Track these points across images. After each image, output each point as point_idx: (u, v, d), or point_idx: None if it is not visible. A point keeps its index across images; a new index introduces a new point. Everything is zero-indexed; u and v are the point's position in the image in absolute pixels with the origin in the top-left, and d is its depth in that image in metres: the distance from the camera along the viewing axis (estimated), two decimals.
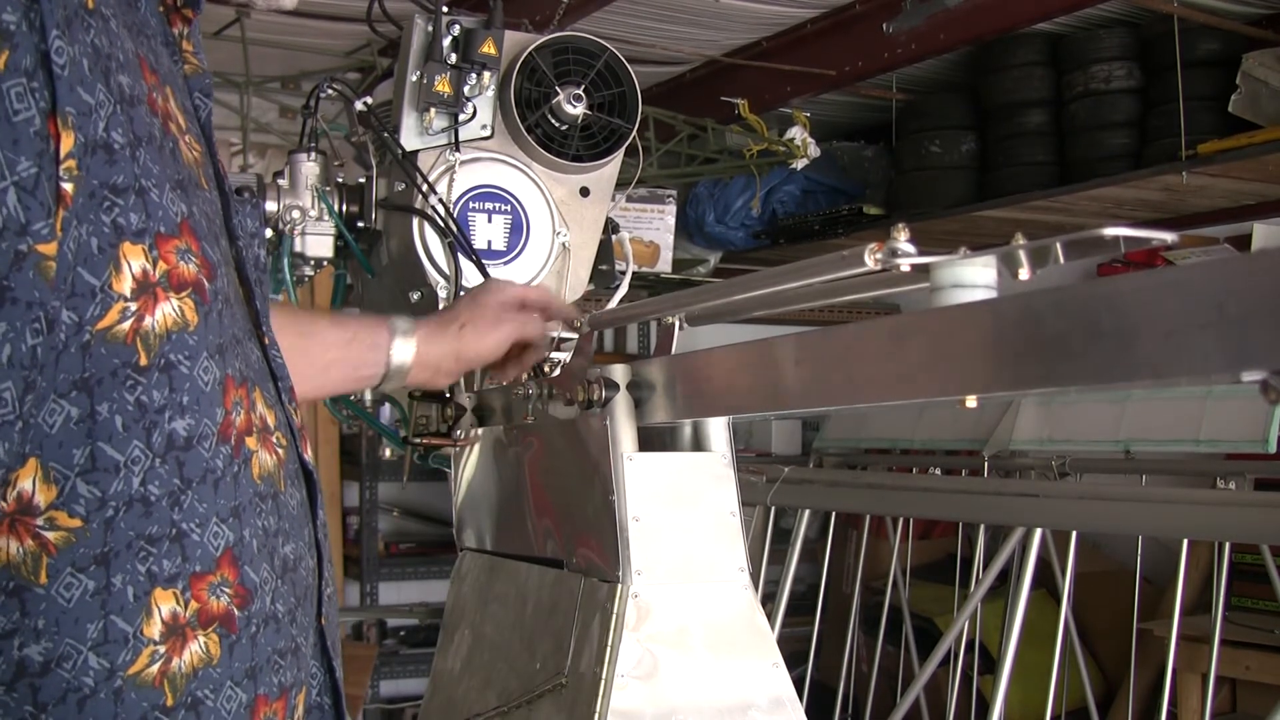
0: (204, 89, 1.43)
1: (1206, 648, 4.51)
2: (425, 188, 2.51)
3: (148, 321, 1.19)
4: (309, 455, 1.52)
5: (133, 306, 1.18)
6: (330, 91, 2.65)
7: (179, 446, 1.22)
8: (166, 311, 1.21)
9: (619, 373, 1.94)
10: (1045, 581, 4.54)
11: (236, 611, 1.27)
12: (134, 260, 1.18)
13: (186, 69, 1.41)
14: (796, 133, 5.28)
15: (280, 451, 1.40)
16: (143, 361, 1.18)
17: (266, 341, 1.43)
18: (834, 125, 6.46)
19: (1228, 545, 4.55)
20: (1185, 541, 4.27)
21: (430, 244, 2.52)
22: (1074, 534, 4.03)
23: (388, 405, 2.70)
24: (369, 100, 2.60)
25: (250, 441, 1.33)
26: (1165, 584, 4.87)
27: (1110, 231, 1.14)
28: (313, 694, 1.45)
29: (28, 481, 1.13)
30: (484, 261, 2.51)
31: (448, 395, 2.51)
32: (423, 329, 2.13)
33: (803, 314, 5.66)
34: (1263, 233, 5.53)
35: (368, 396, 2.61)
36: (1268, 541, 4.31)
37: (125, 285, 1.17)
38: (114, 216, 1.15)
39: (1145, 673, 5.21)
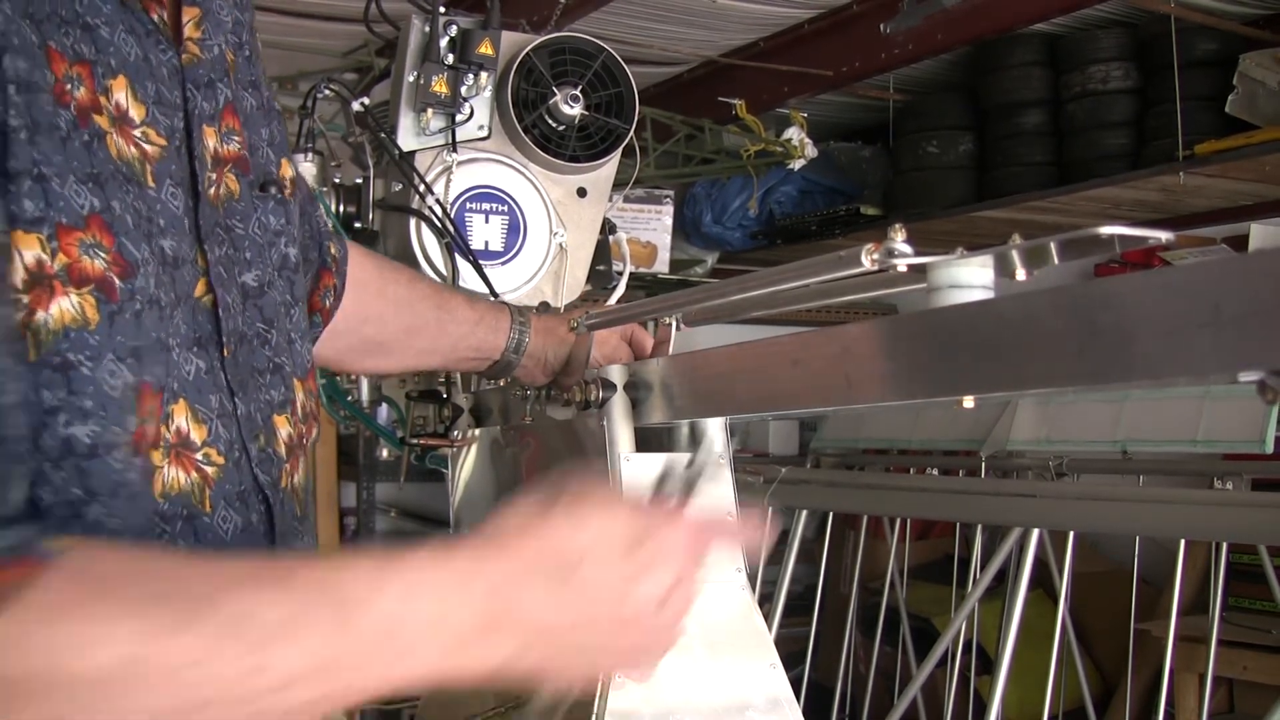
0: (196, 80, 1.37)
1: (1204, 648, 4.50)
2: (422, 188, 2.51)
3: (40, 316, 1.12)
4: (296, 476, 1.45)
5: (25, 299, 1.12)
6: (327, 92, 2.65)
7: (79, 454, 1.15)
8: (64, 307, 1.14)
9: (616, 373, 1.94)
10: (1043, 582, 4.54)
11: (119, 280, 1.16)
12: (27, 250, 1.12)
13: (184, 58, 1.36)
14: (794, 133, 5.28)
15: (209, 470, 1.29)
16: (31, 357, 1.12)
17: (228, 352, 1.34)
18: (831, 125, 6.47)
19: (1225, 546, 4.55)
20: (1183, 542, 4.27)
21: (427, 244, 2.52)
22: (1071, 534, 4.03)
23: (385, 406, 2.70)
24: (366, 101, 2.60)
25: (155, 456, 1.23)
26: (1163, 584, 4.86)
27: (1106, 231, 1.14)
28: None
29: None
30: (481, 262, 2.51)
31: (445, 396, 2.51)
32: (537, 323, 2.15)
33: (800, 314, 5.65)
34: (1260, 233, 5.53)
35: (364, 396, 2.61)
36: (1265, 542, 4.31)
37: (17, 276, 1.11)
38: (7, 203, 1.10)
39: (1143, 673, 5.21)
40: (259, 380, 1.39)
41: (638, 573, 1.25)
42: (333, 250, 1.84)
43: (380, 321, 2.00)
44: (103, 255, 1.17)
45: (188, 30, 1.37)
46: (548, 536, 1.23)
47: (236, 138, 1.41)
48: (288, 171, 1.56)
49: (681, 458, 1.83)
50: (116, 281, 1.18)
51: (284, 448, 1.41)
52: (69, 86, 1.18)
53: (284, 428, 1.41)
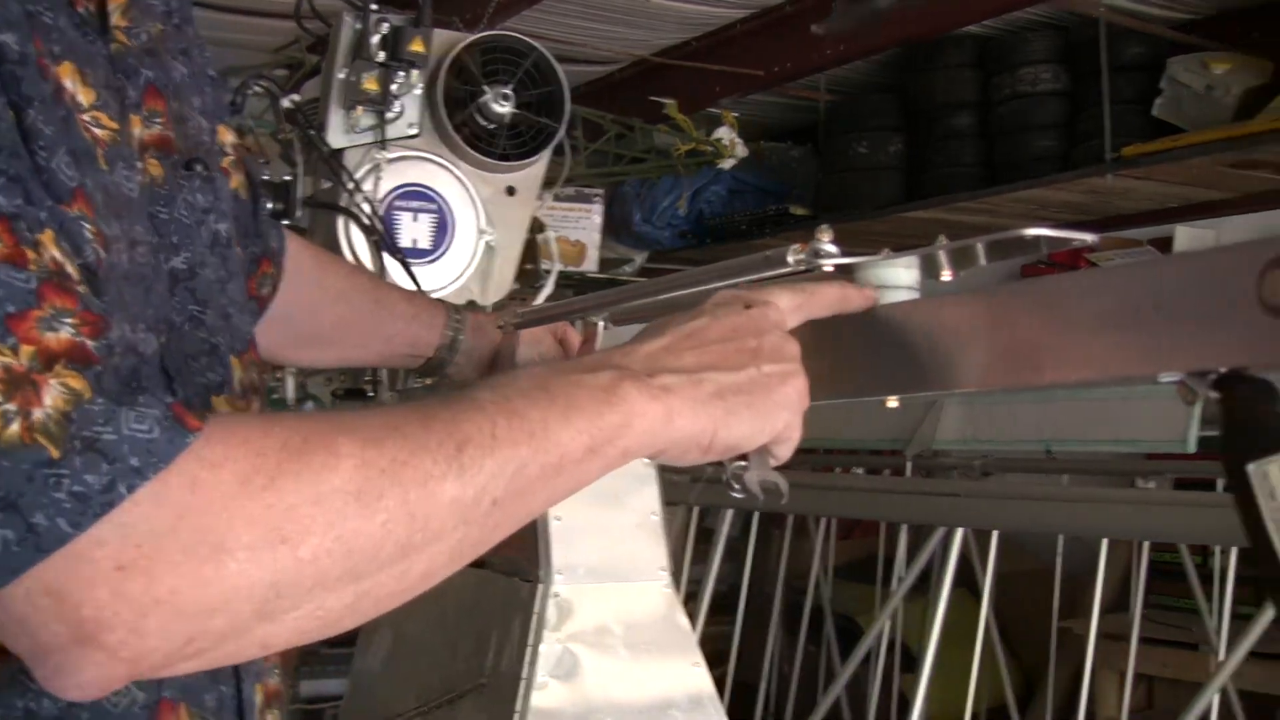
0: (126, 70, 1.34)
1: (1125, 645, 4.55)
2: (351, 186, 2.50)
3: None
4: None
5: None
6: (257, 88, 2.64)
7: None
8: None
9: None
10: (966, 580, 4.56)
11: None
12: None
13: (114, 48, 1.32)
14: (724, 133, 5.28)
15: None
16: None
17: (162, 339, 1.29)
18: (762, 126, 6.48)
19: (1146, 544, 4.60)
20: (1105, 541, 4.31)
21: (355, 242, 2.51)
22: (995, 533, 4.05)
23: (311, 404, 2.69)
24: (296, 97, 2.59)
25: None
26: (1085, 582, 4.90)
27: (1031, 232, 1.15)
28: None
29: None
30: (409, 261, 2.51)
31: (371, 394, 2.51)
32: (472, 319, 2.12)
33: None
34: (1185, 236, 5.58)
35: (289, 394, 2.60)
36: (1186, 541, 4.35)
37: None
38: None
39: (1064, 670, 5.24)
40: (194, 365, 1.37)
41: (755, 315, 1.27)
42: (271, 240, 1.83)
43: (316, 313, 1.99)
44: (87, 228, 1.14)
45: (114, 19, 1.35)
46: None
47: (159, 119, 1.39)
48: (226, 136, 1.53)
49: None
50: (103, 255, 1.16)
51: None
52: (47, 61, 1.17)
53: (224, 408, 1.40)
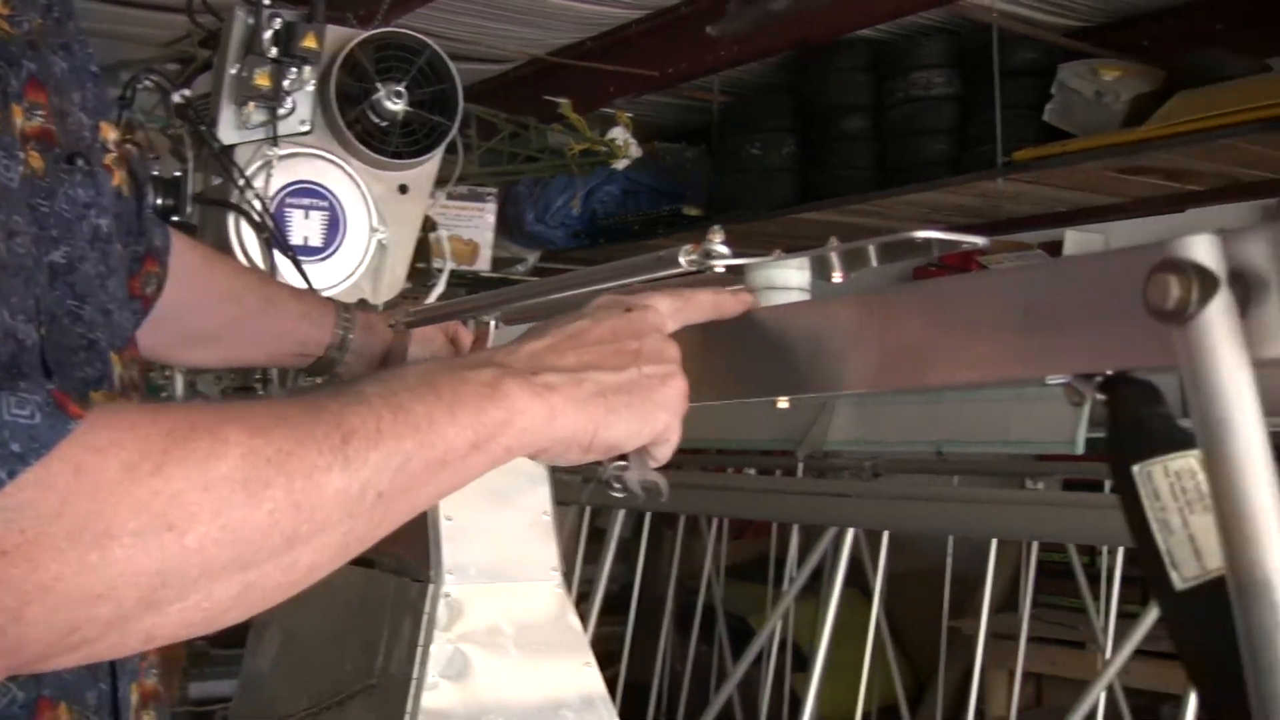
0: (8, 58, 1.30)
1: (1014, 644, 4.60)
2: (242, 183, 2.48)
3: None
4: None
5: None
6: (148, 82, 2.61)
7: None
8: None
9: None
10: (857, 580, 4.59)
11: None
12: None
13: None
14: (618, 133, 5.28)
15: None
16: None
17: (42, 331, 1.28)
18: (656, 126, 6.48)
19: (1035, 545, 4.65)
20: (994, 541, 4.35)
21: (246, 240, 2.49)
22: (885, 534, 4.08)
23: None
24: (187, 92, 2.56)
25: None
26: (975, 583, 4.95)
27: (922, 234, 1.16)
28: None
29: None
30: (300, 259, 2.49)
31: (261, 394, 2.49)
32: (362, 318, 2.10)
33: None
34: (1074, 239, 5.65)
35: (178, 392, 2.57)
36: (1074, 541, 4.40)
37: None
38: None
39: (954, 669, 5.29)
40: (73, 359, 1.36)
41: (635, 318, 1.27)
42: (156, 239, 1.81)
43: (203, 312, 1.97)
44: None
45: None
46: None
47: (40, 112, 1.38)
48: (109, 133, 1.51)
49: None
50: None
51: None
52: None
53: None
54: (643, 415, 1.21)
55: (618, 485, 1.28)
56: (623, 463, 1.27)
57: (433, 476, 1.10)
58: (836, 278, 1.27)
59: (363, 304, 2.54)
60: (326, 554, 1.06)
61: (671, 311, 1.29)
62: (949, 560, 5.14)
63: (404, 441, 1.07)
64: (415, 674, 1.86)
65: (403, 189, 2.66)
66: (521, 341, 1.23)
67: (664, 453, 1.27)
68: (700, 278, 1.35)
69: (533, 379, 1.16)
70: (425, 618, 1.90)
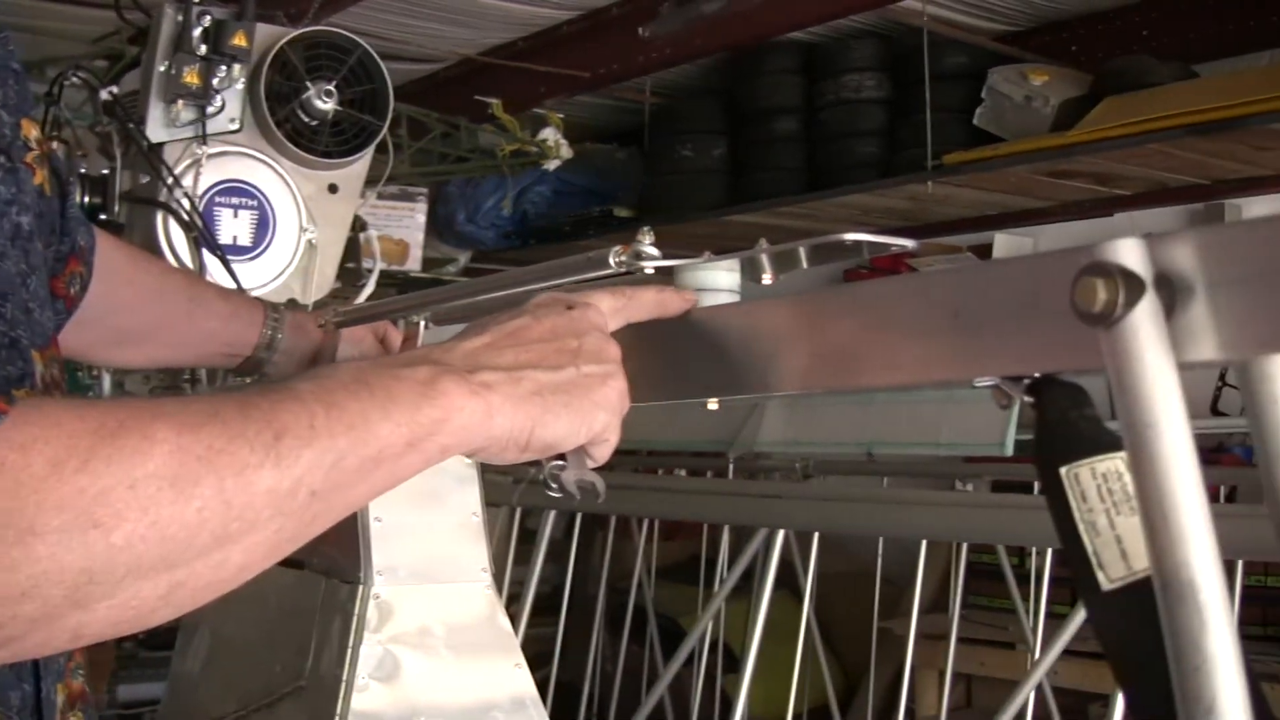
0: None
1: (944, 645, 4.61)
2: (171, 181, 2.47)
3: None
4: None
5: None
6: (75, 79, 2.60)
7: None
8: None
9: None
10: (788, 581, 4.60)
11: None
12: None
13: None
14: (549, 134, 5.27)
15: None
16: None
17: None
18: (588, 127, 6.47)
19: (965, 546, 4.67)
20: (924, 542, 4.37)
21: (174, 239, 2.48)
22: (815, 535, 4.09)
23: None
24: (115, 89, 2.55)
25: None
26: (905, 584, 4.97)
27: (852, 237, 1.16)
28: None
29: None
30: (229, 258, 2.48)
31: (190, 392, 2.47)
32: (291, 318, 2.09)
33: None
34: (1003, 243, 5.69)
35: (106, 392, 2.56)
36: (1003, 542, 4.43)
37: None
38: None
39: (885, 670, 5.31)
40: None
41: (576, 316, 1.27)
42: (80, 239, 1.80)
43: (130, 311, 1.96)
44: None
45: None
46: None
47: None
48: (31, 132, 1.50)
49: None
50: None
51: None
52: None
53: None
54: (581, 415, 1.21)
55: (554, 485, 1.28)
56: (560, 462, 1.26)
57: (367, 475, 1.09)
58: (766, 279, 1.28)
59: (292, 304, 2.53)
60: (258, 553, 1.06)
61: (613, 310, 1.29)
62: (879, 561, 5.16)
63: (338, 439, 1.06)
64: (345, 675, 1.85)
65: (333, 188, 2.65)
66: (460, 339, 1.22)
67: (602, 453, 1.27)
68: (630, 279, 1.35)
69: (470, 377, 1.15)
70: (355, 619, 1.89)
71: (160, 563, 0.99)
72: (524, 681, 1.95)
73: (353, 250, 2.75)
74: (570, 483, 1.27)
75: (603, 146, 6.44)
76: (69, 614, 0.98)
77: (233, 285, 2.43)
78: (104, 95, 2.54)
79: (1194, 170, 4.76)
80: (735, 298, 1.31)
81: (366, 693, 1.84)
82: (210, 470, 1.00)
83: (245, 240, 2.54)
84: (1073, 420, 0.97)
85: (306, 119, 2.56)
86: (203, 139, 2.51)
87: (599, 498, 1.27)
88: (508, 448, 1.19)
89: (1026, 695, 3.53)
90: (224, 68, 2.46)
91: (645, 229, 1.30)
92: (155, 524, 0.97)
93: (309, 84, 2.56)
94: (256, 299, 2.18)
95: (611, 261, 1.31)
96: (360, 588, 1.90)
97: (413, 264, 4.69)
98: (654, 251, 1.29)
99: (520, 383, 1.18)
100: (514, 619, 2.09)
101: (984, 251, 5.74)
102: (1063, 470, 0.95)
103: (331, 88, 2.56)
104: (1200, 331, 0.83)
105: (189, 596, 1.04)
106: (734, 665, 4.77)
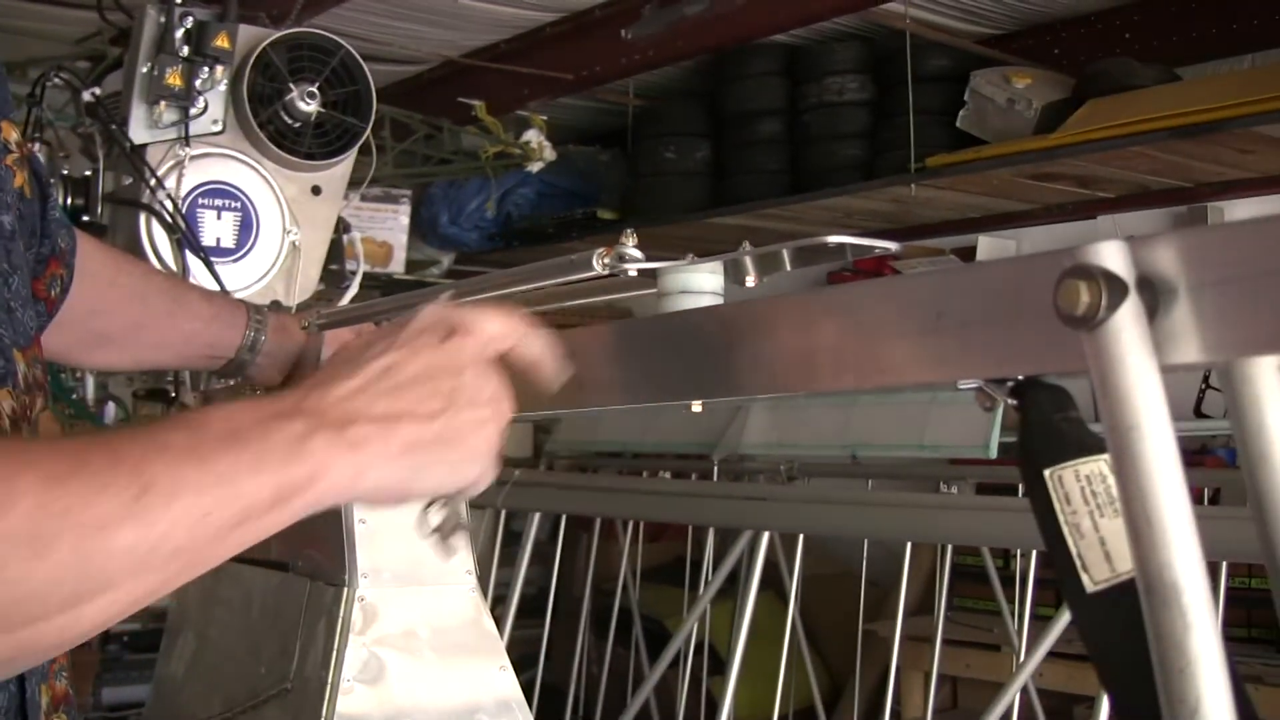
0: None
1: (929, 647, 4.63)
2: (153, 182, 2.47)
3: None
4: None
5: None
6: (57, 80, 2.59)
7: None
8: None
9: None
10: (773, 583, 4.61)
11: None
12: None
13: None
14: (533, 135, 5.27)
15: None
16: None
17: None
18: (571, 129, 6.48)
19: (950, 548, 4.68)
20: (909, 544, 4.38)
21: (157, 240, 2.47)
22: (800, 536, 4.09)
23: (111, 405, 2.64)
24: (98, 91, 2.54)
25: None
26: (890, 586, 4.98)
27: (835, 239, 1.16)
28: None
29: None
30: (212, 260, 2.48)
31: (173, 395, 2.47)
32: (274, 320, 2.08)
33: (535, 317, 5.66)
34: (986, 245, 5.70)
35: (89, 394, 2.55)
36: (988, 544, 4.44)
37: None
38: None
39: (870, 672, 5.32)
40: None
41: (453, 350, 1.22)
42: (61, 241, 1.79)
43: (111, 313, 1.95)
44: None
45: None
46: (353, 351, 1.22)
47: None
48: (10, 134, 1.50)
49: None
50: None
51: (7, 421, 1.37)
52: None
53: (6, 401, 1.36)
54: (453, 469, 1.19)
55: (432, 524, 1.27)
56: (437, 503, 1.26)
57: (231, 531, 1.06)
58: (750, 282, 1.28)
59: (275, 306, 2.53)
60: (116, 609, 1.02)
61: (501, 335, 1.24)
62: (864, 563, 5.17)
63: (204, 496, 1.04)
64: (330, 678, 1.85)
65: (316, 190, 2.64)
66: (334, 377, 1.17)
67: (475, 492, 1.25)
68: (610, 283, 1.35)
69: (342, 434, 1.12)
70: (340, 621, 1.89)
71: (4, 622, 0.96)
72: (509, 684, 1.95)
73: (336, 252, 2.74)
74: (435, 523, 1.27)
75: (586, 149, 6.45)
76: None
77: (215, 287, 2.43)
78: (86, 96, 2.53)
79: (1176, 173, 4.78)
80: (718, 300, 1.31)
81: (351, 695, 1.84)
82: (70, 528, 0.97)
83: (228, 242, 2.53)
84: (1056, 423, 0.97)
85: (289, 120, 2.56)
86: (185, 140, 2.50)
87: (463, 535, 1.27)
88: (380, 500, 1.18)
89: (1012, 697, 3.54)
90: (206, 69, 2.45)
91: (628, 231, 1.30)
92: (8, 581, 0.94)
93: (292, 85, 2.55)
94: (239, 301, 2.17)
95: (595, 264, 1.31)
96: (345, 590, 1.90)
97: (396, 266, 4.69)
98: (637, 254, 1.29)
99: (392, 437, 1.14)
100: (499, 621, 2.09)
101: (967, 254, 5.75)
102: (1046, 473, 0.95)
103: (314, 89, 2.56)
104: (1183, 334, 0.83)
105: (32, 658, 1.02)
106: (719, 667, 4.78)
